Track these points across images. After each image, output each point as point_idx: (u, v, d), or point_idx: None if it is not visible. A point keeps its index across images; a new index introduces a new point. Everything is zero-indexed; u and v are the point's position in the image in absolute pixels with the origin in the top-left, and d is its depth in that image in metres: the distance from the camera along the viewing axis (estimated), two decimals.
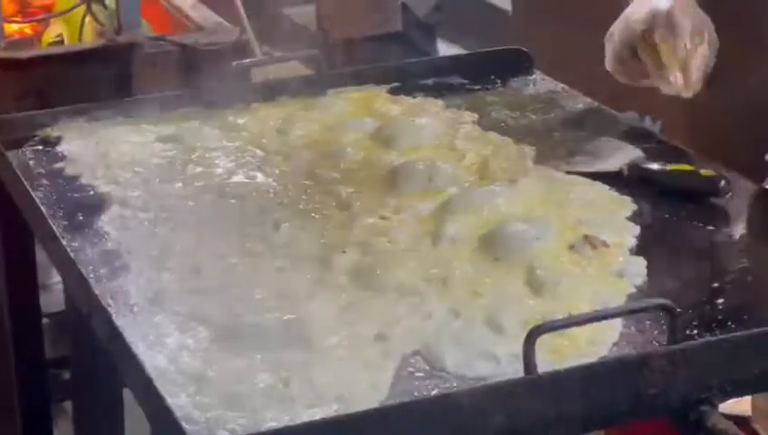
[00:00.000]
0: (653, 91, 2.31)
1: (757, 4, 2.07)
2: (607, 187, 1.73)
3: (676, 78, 1.76)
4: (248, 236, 1.61)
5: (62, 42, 2.52)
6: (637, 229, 1.61)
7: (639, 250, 1.57)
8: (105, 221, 1.66)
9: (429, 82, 2.11)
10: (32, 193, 1.72)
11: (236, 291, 1.48)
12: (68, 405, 2.28)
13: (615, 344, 1.37)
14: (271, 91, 2.04)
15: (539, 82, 2.10)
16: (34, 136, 1.91)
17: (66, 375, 2.24)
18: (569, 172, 1.78)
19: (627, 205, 1.69)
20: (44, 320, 2.13)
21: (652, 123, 2.38)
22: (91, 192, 1.75)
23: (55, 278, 2.23)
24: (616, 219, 1.65)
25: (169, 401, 1.26)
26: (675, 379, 1.28)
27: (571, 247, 1.57)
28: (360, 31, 2.66)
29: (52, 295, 2.26)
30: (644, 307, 1.39)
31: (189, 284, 1.50)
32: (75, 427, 2.17)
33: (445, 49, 3.14)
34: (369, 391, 1.31)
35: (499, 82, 2.11)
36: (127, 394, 1.96)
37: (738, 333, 1.35)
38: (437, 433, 1.24)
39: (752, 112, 2.10)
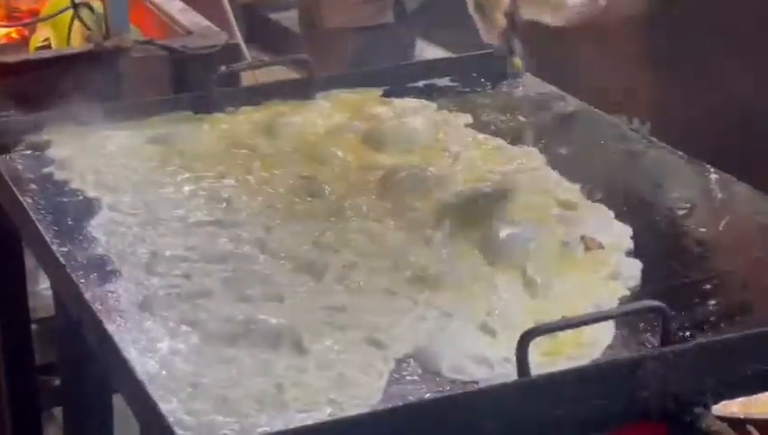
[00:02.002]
0: (643, 94, 2.32)
1: (743, 8, 2.08)
2: (608, 188, 1.73)
3: None
4: (239, 240, 1.60)
5: (49, 46, 2.51)
6: (632, 231, 1.61)
7: (634, 252, 1.57)
8: (95, 226, 1.65)
9: (420, 84, 2.11)
10: (20, 198, 1.71)
11: (227, 295, 1.47)
12: (58, 411, 2.27)
13: (609, 347, 1.37)
14: (260, 95, 2.04)
15: (529, 85, 2.10)
16: (23, 141, 1.90)
17: (56, 381, 2.22)
18: None
19: (622, 207, 1.68)
20: (33, 326, 2.12)
21: (641, 125, 2.38)
22: (81, 197, 1.74)
23: (44, 284, 2.21)
24: (610, 222, 1.64)
25: (161, 406, 1.26)
26: (668, 381, 1.28)
27: (565, 244, 1.56)
28: (354, 21, 2.64)
29: (41, 301, 2.25)
30: (636, 309, 1.38)
31: (180, 288, 1.49)
32: (65, 433, 2.15)
33: (433, 52, 3.13)
34: (362, 395, 1.30)
35: (489, 84, 2.11)
36: (117, 400, 1.95)
37: (731, 335, 1.35)
38: None
39: (740, 116, 2.10)
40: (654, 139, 1.92)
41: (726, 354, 1.31)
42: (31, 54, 2.46)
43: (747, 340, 1.33)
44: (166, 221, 1.66)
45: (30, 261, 1.94)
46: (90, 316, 1.44)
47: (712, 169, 1.76)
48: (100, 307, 1.44)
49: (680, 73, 2.26)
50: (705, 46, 1.94)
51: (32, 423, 2.09)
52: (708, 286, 1.48)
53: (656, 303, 1.34)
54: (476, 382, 1.31)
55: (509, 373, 1.29)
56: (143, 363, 1.33)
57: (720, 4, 2.04)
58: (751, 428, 1.27)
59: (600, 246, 1.57)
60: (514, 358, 1.27)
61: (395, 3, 2.66)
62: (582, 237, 1.57)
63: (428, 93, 2.08)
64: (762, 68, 2.13)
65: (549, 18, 1.88)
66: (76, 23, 2.32)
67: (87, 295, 1.47)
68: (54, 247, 1.58)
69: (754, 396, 1.72)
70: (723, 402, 1.36)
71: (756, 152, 2.10)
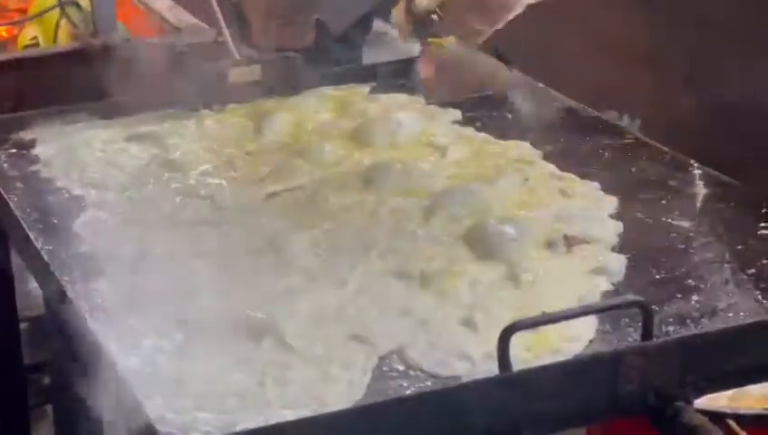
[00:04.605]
0: (632, 91, 2.32)
1: (728, 6, 2.08)
2: (595, 184, 1.73)
3: None
4: (224, 237, 1.60)
5: (37, 44, 2.51)
6: (620, 227, 1.61)
7: (620, 248, 1.57)
8: (80, 224, 1.65)
9: (406, 81, 2.11)
10: (6, 196, 1.71)
11: (211, 293, 1.47)
12: (48, 409, 2.27)
13: (591, 341, 1.37)
14: (248, 92, 2.04)
15: (516, 81, 2.10)
16: (9, 139, 1.90)
17: (45, 379, 2.22)
18: None
19: (610, 202, 1.68)
20: (23, 325, 2.12)
21: (630, 122, 2.39)
22: (66, 195, 1.74)
23: (34, 283, 2.21)
24: (598, 217, 1.64)
25: (144, 403, 1.26)
26: (649, 375, 1.28)
27: (549, 246, 1.57)
28: (276, 43, 2.64)
29: (31, 300, 2.25)
30: (617, 304, 1.39)
31: (164, 286, 1.49)
32: (55, 431, 2.15)
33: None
34: (344, 391, 1.30)
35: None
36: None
37: (711, 330, 1.35)
38: (412, 432, 1.23)
39: (725, 112, 2.11)
40: (641, 135, 1.92)
41: (707, 349, 1.31)
42: (18, 53, 2.46)
43: (727, 335, 1.33)
44: (151, 219, 1.66)
45: (18, 260, 1.93)
46: (74, 314, 1.44)
47: (696, 165, 1.77)
48: (84, 305, 1.44)
49: (671, 72, 2.26)
50: (694, 45, 1.94)
51: (20, 421, 2.09)
52: (691, 281, 1.48)
53: (636, 297, 1.34)
54: (459, 378, 1.32)
55: (491, 368, 1.30)
56: (126, 360, 1.33)
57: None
58: (731, 422, 1.28)
59: (585, 242, 1.57)
60: (496, 353, 1.27)
61: (317, 25, 2.64)
62: (565, 236, 1.57)
63: (415, 90, 2.08)
64: (749, 67, 2.13)
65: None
66: (63, 21, 2.32)
67: (71, 293, 1.47)
68: (39, 245, 1.58)
69: (743, 390, 1.74)
70: (711, 396, 1.37)
71: (742, 149, 2.11)
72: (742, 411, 1.64)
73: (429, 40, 2.13)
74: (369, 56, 2.57)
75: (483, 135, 1.91)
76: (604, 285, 1.49)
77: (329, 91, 2.06)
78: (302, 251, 1.56)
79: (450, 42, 2.12)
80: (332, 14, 2.66)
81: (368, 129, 1.91)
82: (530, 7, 2.46)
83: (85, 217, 1.67)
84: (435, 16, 2.13)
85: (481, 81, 2.10)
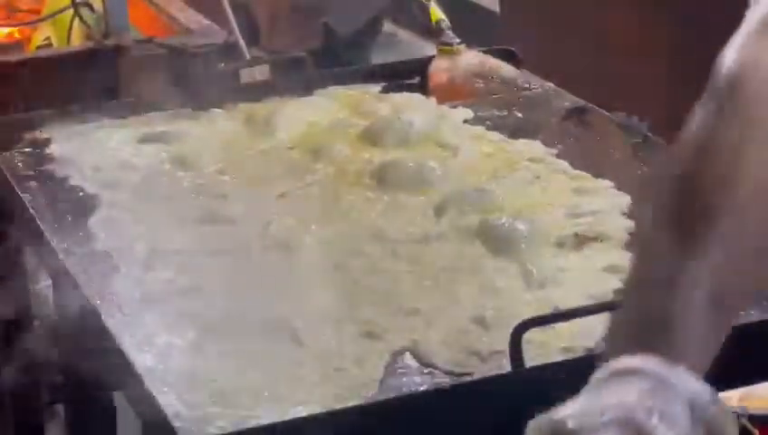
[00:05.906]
0: (641, 91, 2.33)
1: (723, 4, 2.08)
2: (607, 182, 1.74)
3: None
4: (236, 235, 1.62)
5: (50, 45, 2.52)
6: (631, 225, 1.62)
7: (632, 246, 1.57)
8: (94, 222, 1.66)
9: (416, 81, 2.12)
10: (20, 195, 1.73)
11: (224, 289, 1.48)
12: (60, 408, 2.28)
13: (603, 339, 1.38)
14: (259, 92, 2.05)
15: (527, 81, 2.11)
16: (23, 138, 1.91)
17: (57, 378, 2.23)
18: None
19: (623, 200, 1.69)
20: (35, 323, 2.13)
21: (639, 123, 2.39)
22: (80, 194, 1.76)
23: (45, 281, 2.23)
24: (611, 215, 1.65)
25: (159, 399, 1.27)
26: None
27: (561, 244, 1.57)
28: (284, 45, 2.65)
29: (43, 298, 2.26)
30: None
31: (177, 283, 1.50)
32: (68, 430, 2.16)
33: (431, 48, 3.15)
34: (357, 387, 1.31)
35: None
36: (119, 395, 1.96)
37: None
38: (425, 429, 1.24)
39: None
40: (651, 134, 1.92)
41: None
42: (32, 53, 2.47)
43: (736, 332, 1.33)
44: (164, 217, 1.67)
45: (32, 258, 1.95)
46: (89, 311, 1.45)
47: None
48: (98, 302, 1.46)
49: (677, 72, 2.27)
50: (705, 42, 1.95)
51: (34, 420, 2.10)
52: None
53: None
54: (471, 374, 1.32)
55: (503, 365, 1.30)
56: (141, 357, 1.35)
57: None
58: (744, 421, 1.28)
59: (597, 240, 1.57)
60: (508, 350, 1.28)
61: (324, 27, 2.64)
62: (577, 234, 1.58)
63: (426, 90, 2.09)
64: None
65: None
66: (76, 22, 2.34)
67: (86, 291, 1.48)
68: (54, 243, 1.59)
69: (752, 391, 1.74)
70: (721, 395, 1.36)
71: None
72: (752, 411, 1.65)
73: (440, 48, 2.14)
74: (379, 57, 2.59)
75: (494, 134, 1.92)
76: (616, 282, 1.50)
77: (340, 90, 2.07)
78: (314, 249, 1.57)
79: (460, 50, 2.12)
80: (341, 17, 2.67)
81: (379, 128, 1.92)
82: (540, 8, 2.47)
83: (99, 215, 1.68)
84: (445, 25, 2.14)
85: (491, 81, 2.10)
